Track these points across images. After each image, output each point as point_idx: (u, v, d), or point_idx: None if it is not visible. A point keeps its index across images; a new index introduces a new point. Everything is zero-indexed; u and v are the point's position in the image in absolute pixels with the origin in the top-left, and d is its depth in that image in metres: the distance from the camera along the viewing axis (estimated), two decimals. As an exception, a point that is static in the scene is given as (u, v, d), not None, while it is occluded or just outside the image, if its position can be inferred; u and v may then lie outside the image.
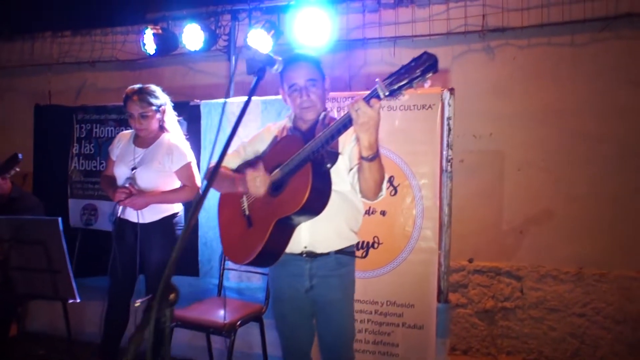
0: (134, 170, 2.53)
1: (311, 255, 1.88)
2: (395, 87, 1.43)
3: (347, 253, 1.93)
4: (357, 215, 1.96)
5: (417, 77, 1.39)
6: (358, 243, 3.02)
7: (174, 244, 2.53)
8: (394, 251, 2.88)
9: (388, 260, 2.90)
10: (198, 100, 3.38)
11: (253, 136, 2.08)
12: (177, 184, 2.58)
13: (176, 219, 2.60)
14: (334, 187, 1.76)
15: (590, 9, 3.73)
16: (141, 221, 2.50)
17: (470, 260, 4.07)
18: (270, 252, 1.81)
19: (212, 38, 3.57)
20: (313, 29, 3.49)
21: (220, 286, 2.99)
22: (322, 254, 1.87)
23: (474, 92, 3.98)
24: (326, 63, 4.55)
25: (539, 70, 3.88)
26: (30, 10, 5.60)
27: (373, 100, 1.46)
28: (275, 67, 1.54)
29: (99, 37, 5.58)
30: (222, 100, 3.28)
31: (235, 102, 3.25)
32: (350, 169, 1.83)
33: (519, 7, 3.90)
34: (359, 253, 3.03)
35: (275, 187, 1.78)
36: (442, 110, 2.88)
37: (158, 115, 2.60)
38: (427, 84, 1.45)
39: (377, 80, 1.46)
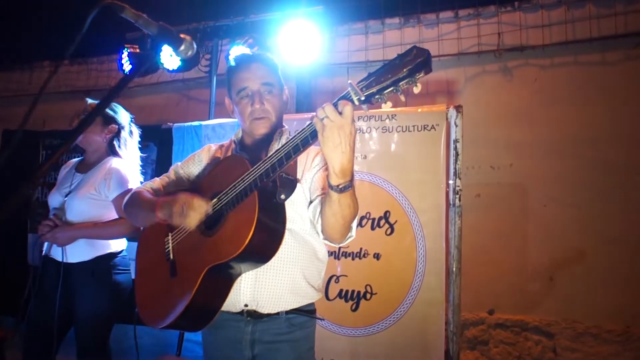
0: (66, 198, 2.13)
1: (253, 316, 1.45)
2: (374, 89, 1.07)
3: (304, 312, 1.50)
4: (317, 264, 1.53)
5: (403, 78, 1.05)
6: (346, 293, 2.54)
7: (110, 291, 2.09)
8: (391, 304, 2.40)
9: (383, 315, 2.41)
10: (170, 124, 3.03)
11: (188, 157, 1.67)
12: (113, 216, 2.17)
13: (116, 259, 2.15)
14: (288, 225, 1.36)
15: (623, 23, 3.34)
16: (67, 260, 2.07)
17: (491, 312, 3.56)
18: (200, 312, 1.37)
19: (193, 57, 3.25)
20: (303, 45, 3.14)
21: (180, 342, 2.50)
22: (268, 315, 1.45)
23: (490, 118, 3.59)
24: (324, 88, 4.34)
25: (564, 92, 3.47)
26: (29, 40, 5.58)
27: (343, 103, 1.10)
28: (183, 48, 1.10)
29: (94, 66, 5.50)
30: (196, 123, 2.93)
31: (211, 125, 2.89)
32: (311, 202, 1.45)
33: (539, 24, 3.53)
34: (348, 305, 2.50)
35: (210, 224, 1.38)
36: (447, 131, 2.42)
37: (105, 130, 2.23)
38: (417, 89, 1.07)
39: (349, 82, 1.11)
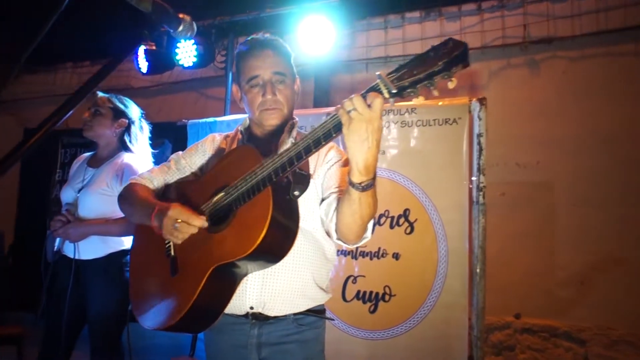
0: (78, 194, 2.10)
1: (259, 319, 1.36)
2: (406, 82, 0.99)
3: (313, 312, 1.41)
4: (326, 265, 1.45)
5: (438, 72, 0.97)
6: (364, 294, 2.44)
7: (121, 289, 2.04)
8: (411, 306, 2.29)
9: (403, 318, 2.30)
10: (185, 120, 2.99)
11: (190, 146, 1.57)
12: None
13: (128, 257, 2.11)
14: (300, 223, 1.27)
15: None
16: (79, 257, 2.03)
17: (517, 316, 3.42)
18: (202, 314, 1.28)
19: (209, 53, 3.23)
20: (321, 41, 3.06)
21: (193, 342, 2.44)
22: (275, 317, 1.36)
23: (515, 113, 3.44)
24: (343, 84, 4.25)
25: (596, 86, 3.29)
26: (51, 42, 5.68)
27: (373, 95, 1.02)
28: (182, 29, 1.03)
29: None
30: (211, 119, 2.89)
31: (226, 121, 2.83)
32: (322, 200, 1.37)
33: (568, 14, 3.35)
34: (365, 307, 2.40)
35: (217, 220, 1.28)
36: (470, 125, 2.30)
37: (115, 124, 2.19)
38: (452, 84, 1.00)
39: (378, 73, 1.03)
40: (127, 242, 2.15)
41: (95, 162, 2.23)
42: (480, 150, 2.28)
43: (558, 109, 3.37)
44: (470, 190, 2.31)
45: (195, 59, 3.19)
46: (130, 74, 5.29)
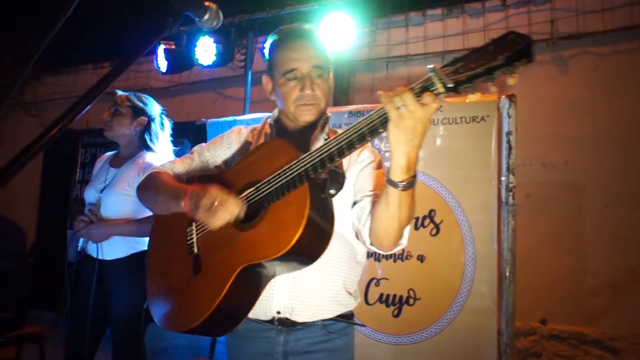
0: (101, 194, 2.08)
1: (286, 325, 1.28)
2: (463, 76, 0.94)
3: (342, 318, 1.33)
4: (357, 269, 1.39)
5: (498, 66, 0.91)
6: (387, 297, 2.37)
7: (144, 287, 2.01)
8: (436, 310, 2.21)
9: (428, 322, 2.23)
10: (204, 119, 2.96)
11: (214, 138, 1.49)
12: (147, 213, 2.10)
13: (148, 257, 2.10)
14: None
15: None
16: (102, 257, 2.01)
17: (544, 322, 3.31)
18: (226, 317, 1.21)
19: (228, 52, 3.20)
20: (342, 39, 3.00)
21: (213, 344, 2.41)
22: (303, 323, 1.29)
23: (542, 112, 3.34)
24: (363, 83, 4.19)
25: (628, 82, 3.17)
26: (73, 44, 5.74)
27: (428, 96, 0.96)
28: (207, 17, 0.98)
29: (133, 66, 5.57)
30: (231, 119, 2.85)
31: (246, 120, 2.79)
32: (355, 202, 1.30)
33: (599, 8, 3.23)
34: (389, 310, 2.34)
35: (247, 216, 1.20)
36: (499, 123, 2.21)
37: (134, 123, 2.17)
38: (513, 80, 0.93)
39: (431, 67, 0.97)
40: (148, 242, 2.12)
41: (117, 162, 2.21)
42: (510, 149, 2.19)
43: (588, 107, 3.25)
44: (499, 190, 2.22)
45: (214, 58, 3.16)
46: (149, 74, 5.33)
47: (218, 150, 1.43)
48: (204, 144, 1.48)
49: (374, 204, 1.21)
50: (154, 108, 2.27)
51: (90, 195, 2.17)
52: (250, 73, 3.38)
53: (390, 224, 1.13)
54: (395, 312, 2.32)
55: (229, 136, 1.45)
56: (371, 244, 1.24)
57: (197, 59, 3.22)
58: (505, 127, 2.20)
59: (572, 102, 3.30)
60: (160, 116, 2.29)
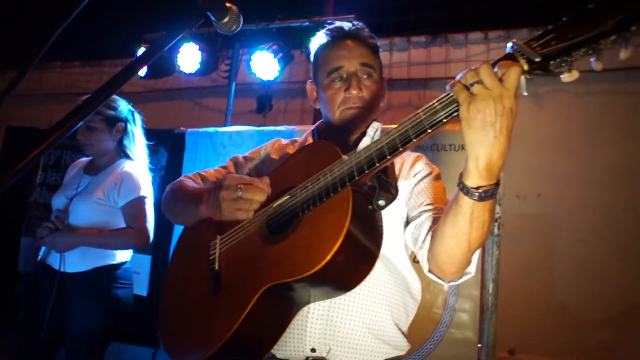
0: (71, 201, 1.91)
1: None
2: (555, 49, 0.72)
3: None
4: (410, 304, 1.15)
5: (607, 33, 0.69)
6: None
7: (107, 306, 1.85)
8: (417, 339, 2.14)
9: (409, 352, 2.11)
10: (183, 128, 2.84)
11: (252, 150, 1.33)
12: (121, 224, 1.95)
13: (118, 271, 1.92)
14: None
15: None
16: (64, 269, 1.83)
17: (512, 352, 3.29)
18: (247, 345, 1.00)
19: (212, 61, 3.10)
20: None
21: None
22: None
23: (517, 145, 3.33)
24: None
25: (600, 122, 3.28)
26: (40, 39, 5.47)
27: (506, 64, 0.75)
28: (227, 20, 0.90)
29: (107, 68, 5.36)
30: (212, 129, 2.74)
31: (228, 132, 2.69)
32: (408, 222, 1.09)
33: (574, 49, 3.36)
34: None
35: (277, 228, 1.01)
36: (487, 152, 2.20)
37: (113, 133, 2.01)
38: (626, 52, 0.70)
39: (512, 41, 0.77)
40: (119, 256, 1.96)
41: (93, 170, 2.04)
42: (497, 179, 2.19)
43: (562, 142, 3.36)
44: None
45: (198, 66, 3.05)
46: (123, 77, 5.15)
47: (255, 162, 1.28)
48: (239, 154, 1.32)
49: (435, 220, 1.00)
50: (123, 107, 2.10)
51: (58, 201, 1.99)
52: (234, 84, 3.28)
53: (456, 243, 0.90)
54: (375, 340, 2.25)
55: (267, 147, 1.30)
56: (429, 271, 1.03)
57: (179, 66, 3.10)
58: (493, 157, 2.20)
59: (547, 137, 3.40)
60: (131, 113, 2.13)
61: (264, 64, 2.90)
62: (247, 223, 1.05)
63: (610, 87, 3.28)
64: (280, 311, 1.00)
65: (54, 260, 1.88)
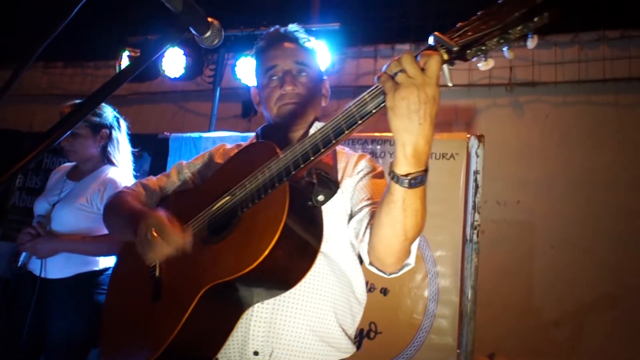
0: (54, 207, 1.90)
1: None
2: (469, 39, 0.79)
3: None
4: (354, 305, 1.14)
5: (512, 23, 0.76)
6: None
7: (89, 312, 1.84)
8: (397, 345, 2.19)
9: (388, 357, 2.19)
10: (167, 133, 2.83)
11: (196, 156, 1.34)
12: (104, 230, 1.94)
13: (100, 278, 1.91)
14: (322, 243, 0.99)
15: (638, 67, 3.28)
16: (45, 275, 1.82)
17: (491, 356, 3.34)
18: (189, 353, 0.98)
19: (197, 66, 3.10)
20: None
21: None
22: None
23: (498, 152, 3.46)
24: (329, 111, 4.21)
25: (578, 132, 3.37)
26: (22, 39, 5.37)
27: (427, 54, 0.80)
28: (208, 35, 0.90)
29: (90, 70, 5.28)
30: (196, 135, 2.74)
31: (212, 137, 2.69)
32: (352, 216, 1.09)
33: (552, 61, 3.46)
34: (349, 343, 2.27)
35: (217, 227, 1.02)
36: (467, 161, 2.26)
37: (97, 139, 2.00)
38: (533, 41, 0.78)
39: (433, 35, 0.82)
40: (102, 262, 1.95)
41: (77, 175, 2.03)
42: (477, 187, 2.25)
43: (540, 150, 3.45)
44: (464, 228, 2.26)
45: (183, 71, 3.05)
46: (107, 80, 5.09)
47: (198, 166, 1.29)
48: (183, 161, 1.33)
49: (374, 214, 1.00)
50: (108, 114, 2.10)
51: (40, 207, 1.97)
52: (218, 89, 3.28)
53: (392, 233, 0.91)
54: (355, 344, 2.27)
55: (211, 152, 1.32)
56: (370, 264, 1.03)
57: (164, 70, 3.09)
58: (473, 166, 2.26)
59: (526, 145, 3.48)
60: (116, 120, 2.13)
61: (249, 70, 2.92)
62: (189, 227, 1.05)
63: (584, 98, 3.39)
64: (223, 314, 0.99)
65: (34, 267, 1.86)
